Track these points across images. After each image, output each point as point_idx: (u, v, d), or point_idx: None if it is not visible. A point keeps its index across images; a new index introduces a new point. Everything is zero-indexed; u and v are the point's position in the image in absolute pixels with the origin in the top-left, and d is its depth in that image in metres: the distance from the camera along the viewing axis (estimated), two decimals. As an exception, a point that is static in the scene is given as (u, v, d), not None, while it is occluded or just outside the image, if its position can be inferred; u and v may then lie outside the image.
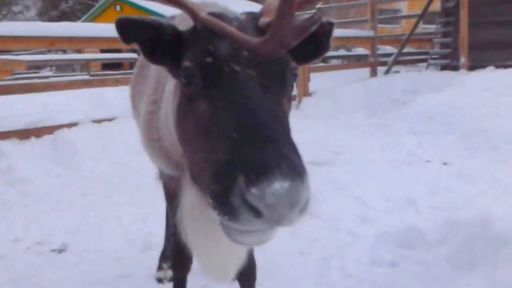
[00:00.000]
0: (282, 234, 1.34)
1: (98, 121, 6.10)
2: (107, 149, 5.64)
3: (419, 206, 3.60)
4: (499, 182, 4.01)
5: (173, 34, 1.38)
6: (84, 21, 23.04)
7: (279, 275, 2.72)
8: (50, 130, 5.70)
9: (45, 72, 17.71)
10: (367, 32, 11.46)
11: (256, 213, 1.00)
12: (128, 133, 5.92)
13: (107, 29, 6.34)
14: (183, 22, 1.98)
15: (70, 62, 16.92)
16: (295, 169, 1.02)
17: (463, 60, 9.43)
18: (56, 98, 8.09)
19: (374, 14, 11.31)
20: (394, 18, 18.40)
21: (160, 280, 2.80)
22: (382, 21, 15.07)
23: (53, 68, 19.21)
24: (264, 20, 1.36)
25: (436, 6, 12.46)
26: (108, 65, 18.79)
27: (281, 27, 1.15)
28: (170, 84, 1.64)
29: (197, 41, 1.31)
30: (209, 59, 1.25)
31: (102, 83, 6.75)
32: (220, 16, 1.34)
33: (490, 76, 7.25)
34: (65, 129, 5.69)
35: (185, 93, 1.32)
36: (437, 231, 2.54)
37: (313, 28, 1.16)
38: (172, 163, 1.81)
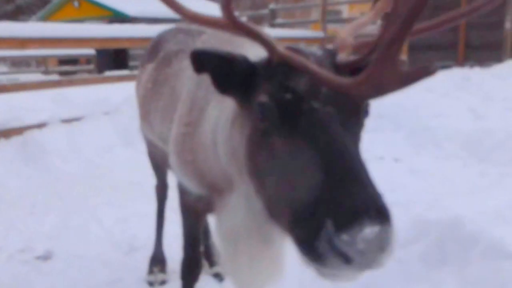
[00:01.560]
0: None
1: (67, 121, 5.80)
2: (77, 149, 5.39)
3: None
4: (448, 179, 4.21)
5: (246, 65, 1.31)
6: (41, 16, 21.79)
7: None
8: (19, 131, 5.37)
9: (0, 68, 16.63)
10: (316, 33, 11.59)
11: (346, 258, 0.96)
12: (98, 133, 5.72)
13: (78, 29, 6.07)
14: (213, 40, 1.98)
15: (26, 58, 15.97)
16: (383, 213, 0.98)
17: (405, 61, 9.75)
18: (18, 96, 7.63)
19: (324, 15, 11.46)
20: (340, 20, 18.70)
21: (151, 284, 2.74)
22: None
23: (7, 63, 18.09)
24: (343, 58, 1.28)
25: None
26: (65, 61, 17.97)
27: (381, 72, 1.02)
28: (218, 109, 1.58)
29: (273, 75, 1.24)
30: (288, 96, 1.17)
31: (71, 83, 6.42)
32: (297, 51, 1.26)
33: (431, 77, 7.54)
34: (35, 130, 5.38)
35: (259, 127, 1.24)
36: (407, 230, 2.63)
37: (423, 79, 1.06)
38: (205, 184, 1.74)
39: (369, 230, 0.94)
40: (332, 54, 1.31)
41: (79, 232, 3.44)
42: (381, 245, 0.96)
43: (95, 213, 3.77)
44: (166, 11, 1.68)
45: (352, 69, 1.24)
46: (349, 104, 1.17)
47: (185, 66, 2.02)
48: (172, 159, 1.89)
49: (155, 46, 2.58)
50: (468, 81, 7.07)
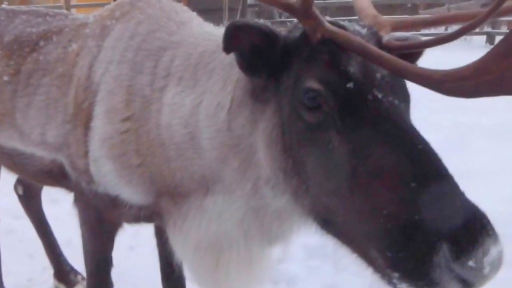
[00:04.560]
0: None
1: None
2: None
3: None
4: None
5: (285, 42, 1.13)
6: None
7: None
8: None
9: None
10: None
11: (467, 284, 0.84)
12: None
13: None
14: (144, 16, 1.67)
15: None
16: (492, 225, 0.85)
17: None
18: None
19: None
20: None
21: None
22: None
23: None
24: (389, 40, 1.13)
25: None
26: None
27: (504, 66, 0.81)
28: (192, 94, 1.37)
29: (316, 56, 1.07)
30: (349, 85, 1.00)
31: None
32: (343, 27, 1.10)
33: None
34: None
35: (305, 118, 1.05)
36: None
37: None
38: (155, 191, 1.48)
39: (495, 252, 0.82)
40: (376, 33, 1.16)
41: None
42: (500, 263, 0.85)
43: None
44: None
45: (399, 54, 1.06)
46: (402, 91, 1.07)
47: (86, 47, 1.68)
48: (103, 167, 1.54)
49: None
50: None
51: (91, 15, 1.86)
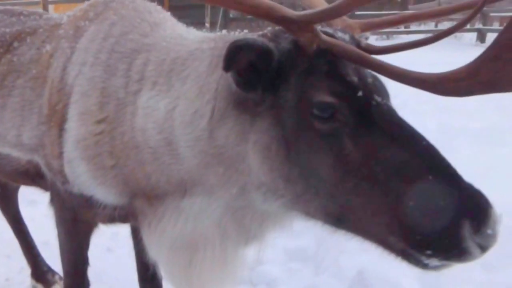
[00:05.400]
0: None
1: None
2: None
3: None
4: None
5: (279, 57, 1.15)
6: None
7: None
8: None
9: None
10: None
11: (484, 248, 1.02)
12: None
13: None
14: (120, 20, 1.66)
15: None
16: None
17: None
18: None
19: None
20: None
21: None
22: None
23: None
24: (367, 44, 1.23)
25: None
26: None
27: (501, 66, 0.91)
28: (166, 99, 1.36)
29: (315, 67, 1.11)
30: (359, 93, 1.09)
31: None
32: (333, 36, 1.16)
33: None
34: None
35: (319, 129, 1.11)
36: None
37: None
38: (130, 192, 1.48)
39: (498, 218, 1.02)
40: (354, 38, 1.24)
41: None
42: (500, 226, 1.03)
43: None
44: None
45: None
46: (386, 91, 1.17)
47: (60, 48, 1.68)
48: (77, 168, 1.54)
49: None
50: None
51: (65, 15, 1.84)
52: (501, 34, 0.92)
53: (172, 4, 13.17)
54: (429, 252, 1.03)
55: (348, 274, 2.36)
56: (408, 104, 5.26)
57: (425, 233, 1.03)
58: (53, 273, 2.70)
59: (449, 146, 3.80)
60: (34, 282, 2.68)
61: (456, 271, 2.25)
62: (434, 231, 1.02)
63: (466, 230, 0.99)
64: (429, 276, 2.25)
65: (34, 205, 3.13)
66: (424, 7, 13.41)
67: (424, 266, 1.07)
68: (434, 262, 1.05)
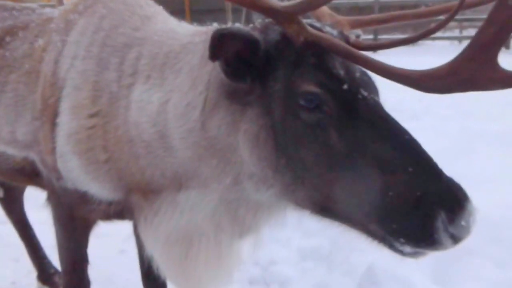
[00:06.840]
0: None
1: None
2: None
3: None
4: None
5: (267, 47, 1.17)
6: None
7: None
8: None
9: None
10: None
11: (457, 240, 1.04)
12: None
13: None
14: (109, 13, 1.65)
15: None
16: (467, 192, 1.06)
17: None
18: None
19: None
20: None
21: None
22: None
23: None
24: (355, 40, 1.26)
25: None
26: None
27: (473, 67, 0.96)
28: (159, 92, 1.36)
29: (303, 59, 1.14)
30: (345, 86, 1.11)
31: None
32: (321, 30, 1.18)
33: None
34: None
35: (304, 119, 1.13)
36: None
37: None
38: (124, 186, 1.46)
39: (473, 211, 1.04)
40: (342, 33, 1.26)
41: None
42: (475, 219, 1.05)
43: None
44: None
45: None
46: (374, 87, 1.20)
47: (51, 42, 1.66)
48: (69, 162, 1.52)
49: None
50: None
51: (57, 10, 1.82)
52: (476, 37, 0.96)
53: (193, 9, 13.28)
54: (402, 239, 1.07)
55: (359, 271, 2.35)
56: (431, 109, 5.31)
57: (400, 222, 1.06)
58: (60, 275, 2.65)
59: (469, 148, 3.76)
60: (40, 285, 2.67)
61: (467, 267, 2.24)
62: (408, 220, 1.05)
63: (440, 220, 1.02)
64: (439, 272, 2.24)
65: (45, 208, 3.11)
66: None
67: (400, 253, 1.11)
68: (407, 249, 1.09)
